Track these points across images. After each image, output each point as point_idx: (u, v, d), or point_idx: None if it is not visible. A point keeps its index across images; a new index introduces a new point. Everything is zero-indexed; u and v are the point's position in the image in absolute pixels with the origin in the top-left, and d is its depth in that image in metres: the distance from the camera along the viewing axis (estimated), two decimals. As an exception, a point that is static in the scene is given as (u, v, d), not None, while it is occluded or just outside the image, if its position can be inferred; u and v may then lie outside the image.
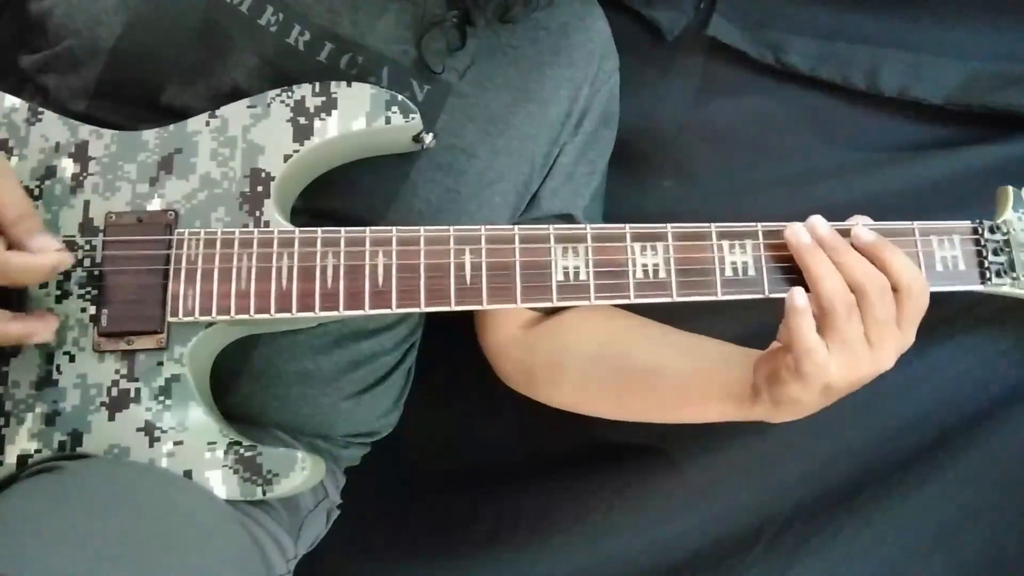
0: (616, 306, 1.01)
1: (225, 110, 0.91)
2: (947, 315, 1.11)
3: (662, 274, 0.89)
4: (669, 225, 0.89)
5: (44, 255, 0.81)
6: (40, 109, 0.91)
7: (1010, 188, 0.97)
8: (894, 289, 0.86)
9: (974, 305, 1.08)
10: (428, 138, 0.94)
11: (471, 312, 0.90)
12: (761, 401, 0.90)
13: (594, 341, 1.05)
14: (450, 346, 1.20)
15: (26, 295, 0.86)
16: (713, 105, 1.24)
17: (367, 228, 0.88)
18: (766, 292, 0.89)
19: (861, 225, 0.90)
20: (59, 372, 0.85)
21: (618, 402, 1.05)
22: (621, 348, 1.04)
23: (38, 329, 0.83)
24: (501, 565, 1.24)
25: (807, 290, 0.87)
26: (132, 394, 0.86)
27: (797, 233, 0.88)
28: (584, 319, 1.06)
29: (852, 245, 0.88)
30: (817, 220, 0.89)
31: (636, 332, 1.06)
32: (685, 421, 1.01)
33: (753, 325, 1.04)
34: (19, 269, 0.80)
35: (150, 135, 0.91)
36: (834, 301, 0.84)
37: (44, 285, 0.86)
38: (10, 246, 0.80)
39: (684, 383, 0.98)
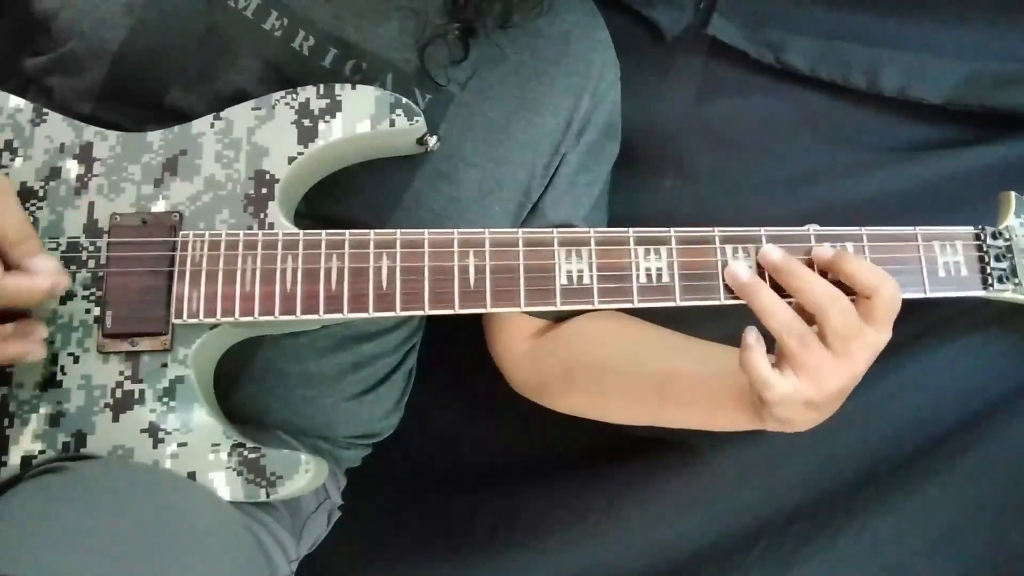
0: (622, 311, 1.01)
1: (230, 112, 0.91)
2: (947, 316, 1.12)
3: (665, 278, 0.88)
4: (672, 229, 0.89)
5: (42, 277, 0.80)
6: (45, 110, 0.91)
7: (1012, 194, 0.96)
8: (865, 296, 0.85)
9: (974, 307, 1.08)
10: (432, 141, 0.94)
11: (474, 315, 0.90)
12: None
13: (604, 348, 1.05)
14: (451, 348, 1.20)
15: None
16: (713, 105, 1.24)
17: (371, 231, 0.87)
18: None
19: (814, 238, 0.90)
20: (63, 373, 0.85)
21: (629, 409, 1.05)
22: (631, 355, 1.04)
23: (31, 350, 0.82)
24: (501, 565, 1.24)
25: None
26: (136, 395, 0.85)
27: (734, 275, 0.87)
28: (594, 326, 1.07)
29: (813, 262, 0.88)
30: (769, 249, 0.88)
31: (646, 339, 1.06)
32: (696, 428, 1.00)
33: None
34: (16, 291, 0.79)
35: (155, 137, 0.91)
36: (782, 335, 0.83)
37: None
38: (8, 267, 0.79)
39: (695, 390, 0.98)
